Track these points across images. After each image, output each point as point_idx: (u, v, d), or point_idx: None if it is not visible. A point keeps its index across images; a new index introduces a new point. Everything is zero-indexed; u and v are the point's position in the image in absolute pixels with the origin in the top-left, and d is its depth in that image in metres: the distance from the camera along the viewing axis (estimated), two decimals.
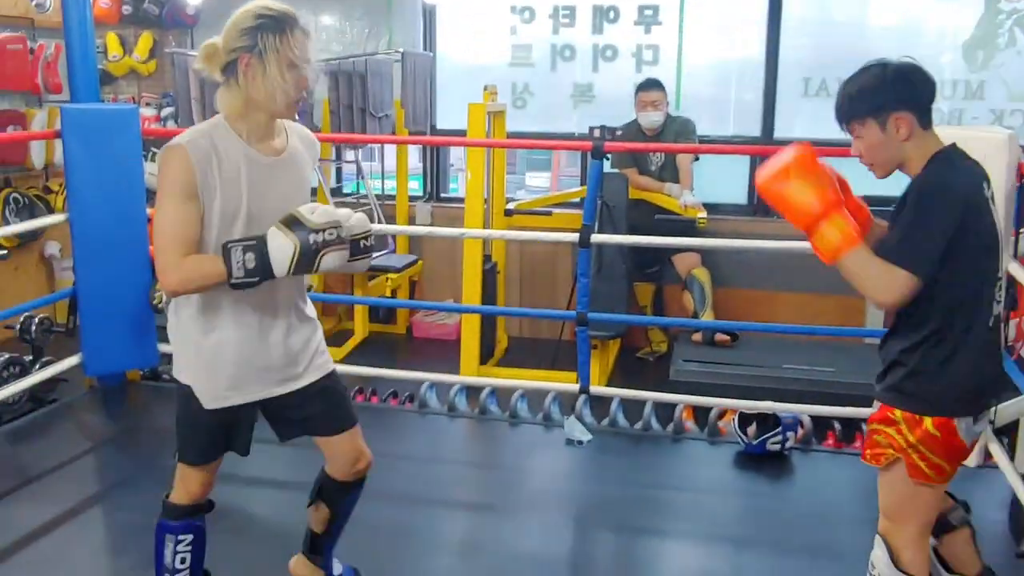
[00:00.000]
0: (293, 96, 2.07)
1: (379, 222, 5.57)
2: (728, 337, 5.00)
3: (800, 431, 3.77)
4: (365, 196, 5.80)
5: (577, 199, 5.24)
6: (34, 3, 5.56)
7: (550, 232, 4.45)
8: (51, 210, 5.55)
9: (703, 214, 4.99)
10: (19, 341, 4.63)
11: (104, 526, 3.26)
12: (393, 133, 5.81)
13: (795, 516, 3.28)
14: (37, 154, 5.57)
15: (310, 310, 2.31)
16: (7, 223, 5.24)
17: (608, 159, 4.90)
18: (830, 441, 3.99)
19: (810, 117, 5.63)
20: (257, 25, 2.02)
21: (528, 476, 3.60)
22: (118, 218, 4.09)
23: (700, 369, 4.73)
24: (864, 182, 2.26)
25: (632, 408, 4.06)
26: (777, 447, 3.69)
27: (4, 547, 2.93)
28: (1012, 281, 2.99)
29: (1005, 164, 2.67)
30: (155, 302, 4.16)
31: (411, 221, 6.07)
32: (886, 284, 1.95)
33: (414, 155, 6.44)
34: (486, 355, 5.22)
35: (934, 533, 2.24)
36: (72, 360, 4.12)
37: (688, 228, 4.96)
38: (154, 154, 6.11)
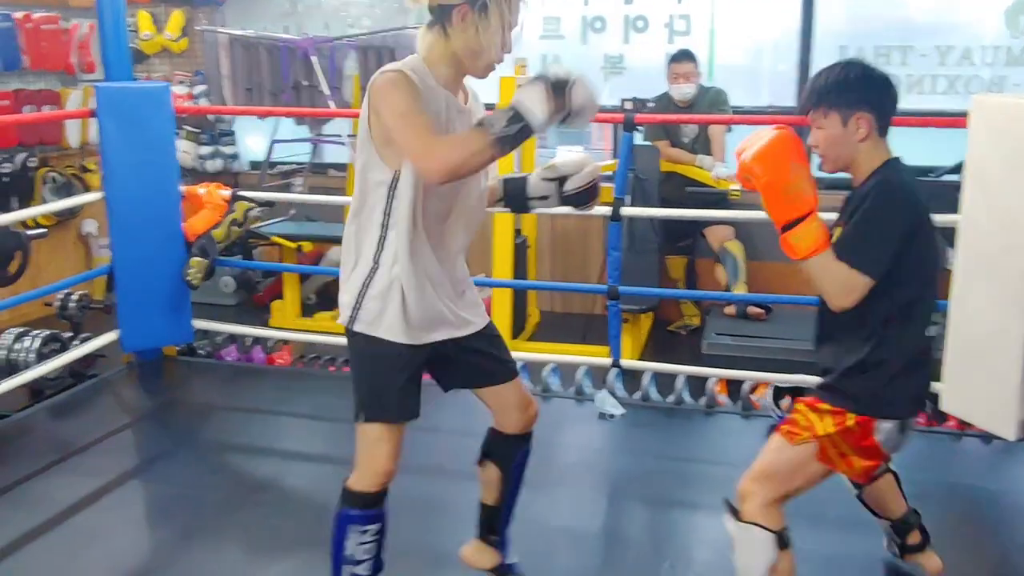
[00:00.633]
0: (498, 57, 2.06)
1: None
2: (761, 310, 4.96)
3: None
4: None
5: (608, 172, 5.21)
6: None
7: None
8: (87, 188, 5.61)
9: (736, 186, 4.93)
10: (58, 318, 4.72)
11: (143, 499, 3.32)
12: None
13: (827, 489, 3.24)
14: (73, 133, 5.63)
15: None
16: (45, 202, 5.31)
17: (640, 131, 4.86)
18: None
19: None
20: None
21: (560, 450, 3.60)
22: (152, 195, 4.14)
23: (733, 343, 4.70)
24: None
25: (664, 382, 4.04)
26: None
27: (47, 519, 3.00)
28: None
29: None
30: (188, 278, 4.20)
31: None
32: (847, 287, 2.00)
33: None
34: (517, 330, 5.22)
35: (860, 484, 2.43)
36: (110, 336, 4.18)
37: (721, 200, 4.91)
38: (187, 132, 6.19)
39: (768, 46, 5.86)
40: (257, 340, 4.78)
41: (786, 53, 5.68)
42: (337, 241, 5.89)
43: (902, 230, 2.02)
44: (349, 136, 5.68)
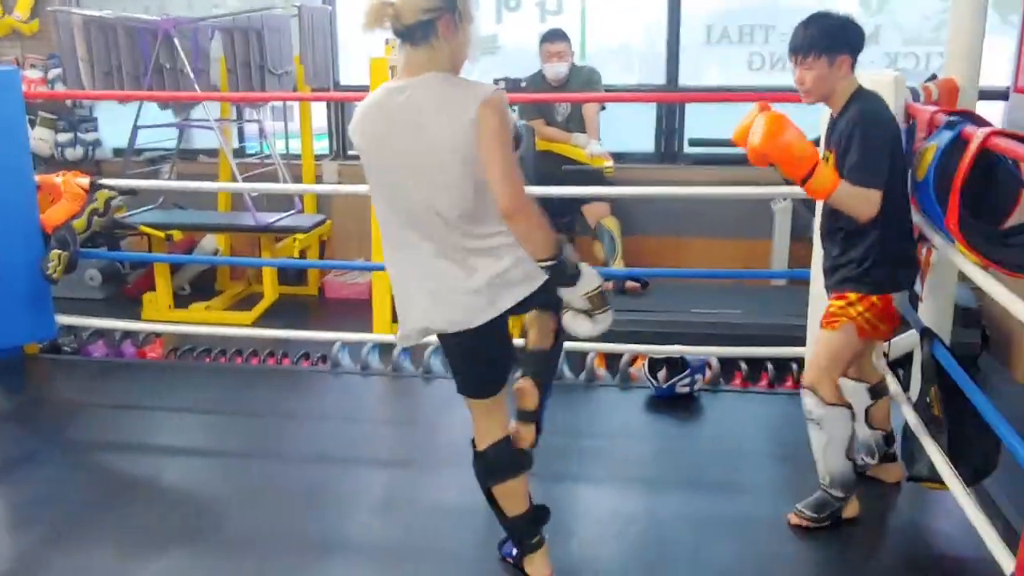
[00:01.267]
0: (473, 53, 2.20)
1: (285, 182, 5.46)
2: (638, 284, 5.06)
3: (708, 373, 3.86)
4: (269, 157, 5.66)
5: None
6: None
7: None
8: None
9: (610, 163, 5.01)
10: None
11: (8, 501, 3.15)
12: (294, 90, 5.66)
13: (705, 454, 3.37)
14: None
15: None
16: None
17: (514, 111, 4.88)
18: (737, 381, 4.10)
19: (715, 63, 5.69)
20: None
21: (443, 431, 3.60)
22: (4, 186, 3.92)
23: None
24: None
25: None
26: (686, 389, 3.78)
27: None
28: None
29: (893, 106, 2.74)
30: (48, 272, 4.01)
31: (318, 180, 5.95)
32: (869, 203, 2.49)
33: (319, 113, 6.29)
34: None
35: (872, 397, 2.93)
36: None
37: (596, 178, 4.98)
38: (43, 118, 5.88)
39: (638, 26, 5.97)
40: (128, 334, 4.61)
41: (655, 31, 5.80)
42: (209, 229, 5.76)
43: (889, 144, 2.54)
44: (217, 120, 5.50)
